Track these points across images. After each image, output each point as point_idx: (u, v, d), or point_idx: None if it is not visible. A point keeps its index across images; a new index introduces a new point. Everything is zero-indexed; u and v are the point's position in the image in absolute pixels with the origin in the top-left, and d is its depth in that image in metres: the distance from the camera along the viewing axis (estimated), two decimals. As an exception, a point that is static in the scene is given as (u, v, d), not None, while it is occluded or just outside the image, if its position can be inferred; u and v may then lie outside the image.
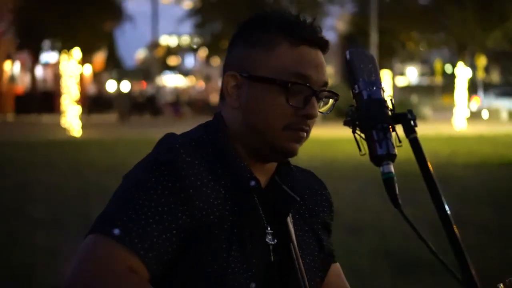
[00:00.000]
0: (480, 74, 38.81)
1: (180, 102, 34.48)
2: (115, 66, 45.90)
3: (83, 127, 24.48)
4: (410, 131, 1.26)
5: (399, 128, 1.29)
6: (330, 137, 19.40)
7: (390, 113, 1.28)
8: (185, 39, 66.48)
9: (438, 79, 57.19)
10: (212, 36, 29.92)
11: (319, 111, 1.48)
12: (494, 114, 34.25)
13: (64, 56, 26.23)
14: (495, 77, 74.95)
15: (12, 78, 33.92)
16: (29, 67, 35.57)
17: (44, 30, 27.31)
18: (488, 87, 43.09)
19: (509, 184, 11.04)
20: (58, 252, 5.81)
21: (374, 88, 1.30)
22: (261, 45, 1.46)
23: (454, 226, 1.26)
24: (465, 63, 28.73)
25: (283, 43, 1.45)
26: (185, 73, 73.58)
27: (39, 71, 37.64)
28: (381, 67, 30.55)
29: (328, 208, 1.63)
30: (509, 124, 27.80)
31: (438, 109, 37.38)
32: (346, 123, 1.31)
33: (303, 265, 1.49)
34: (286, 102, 1.42)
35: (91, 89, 43.61)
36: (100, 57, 38.32)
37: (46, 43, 29.36)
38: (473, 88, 36.84)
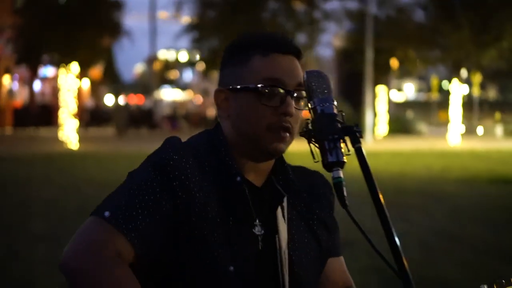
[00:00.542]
0: (476, 91, 39.06)
1: (177, 116, 34.65)
2: (113, 80, 46.12)
3: (80, 141, 24.64)
4: (355, 142, 1.44)
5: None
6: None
7: (339, 126, 1.48)
8: (183, 54, 66.84)
9: (435, 95, 57.45)
10: (209, 51, 30.15)
11: (296, 108, 1.66)
12: (488, 130, 34.49)
13: (62, 70, 26.44)
14: (492, 94, 75.17)
15: (10, 92, 34.11)
16: (28, 81, 35.79)
17: (43, 46, 27.52)
18: (484, 104, 43.37)
19: (500, 200, 11.13)
20: (57, 266, 5.96)
21: (327, 104, 1.50)
22: (240, 62, 1.69)
23: (392, 228, 1.41)
24: (461, 80, 28.98)
25: (256, 55, 1.68)
26: (183, 87, 73.77)
27: (37, 85, 37.86)
28: (377, 83, 30.99)
29: (327, 206, 1.81)
30: (504, 141, 27.99)
31: (434, 124, 37.57)
32: (302, 134, 1.51)
33: (293, 256, 1.69)
34: (262, 104, 1.64)
35: (89, 103, 43.81)
36: (98, 71, 38.52)
37: (45, 57, 29.56)
38: (469, 104, 37.08)
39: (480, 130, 35.28)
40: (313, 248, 1.75)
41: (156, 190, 1.57)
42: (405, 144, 24.94)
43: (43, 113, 34.26)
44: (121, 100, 38.03)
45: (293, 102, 1.65)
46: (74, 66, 25.87)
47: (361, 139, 1.45)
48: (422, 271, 6.18)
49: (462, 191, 12.02)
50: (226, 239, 1.62)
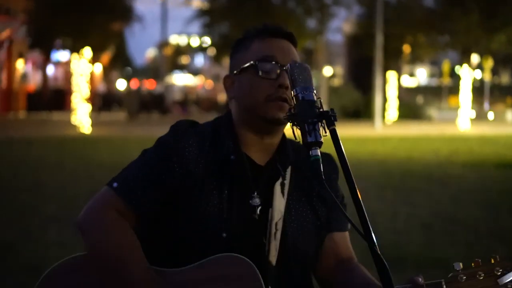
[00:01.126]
0: (487, 76, 38.94)
1: (187, 101, 34.83)
2: (125, 65, 46.31)
3: (92, 125, 24.88)
4: (330, 124, 1.65)
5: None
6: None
7: (317, 111, 1.68)
8: (195, 39, 66.79)
9: (446, 81, 57.23)
10: (220, 37, 30.22)
11: None
12: (499, 115, 34.41)
13: (75, 55, 26.66)
14: (505, 79, 74.65)
15: (24, 76, 34.40)
16: (41, 66, 36.05)
17: (56, 31, 27.71)
18: (495, 89, 43.21)
19: (504, 185, 11.22)
20: (69, 247, 6.08)
21: (307, 92, 1.70)
22: (242, 49, 2.00)
23: (362, 204, 1.58)
24: (471, 66, 28.92)
25: (254, 41, 1.98)
26: (195, 72, 73.83)
27: (50, 69, 38.13)
28: (387, 69, 30.96)
29: (328, 185, 1.93)
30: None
31: (445, 110, 37.50)
32: (285, 118, 1.72)
33: (287, 226, 1.92)
34: (260, 78, 1.91)
35: (101, 87, 44.02)
36: (109, 56, 38.71)
37: (57, 42, 29.76)
38: (480, 89, 37.02)
39: (490, 115, 35.23)
40: (310, 221, 1.98)
41: (157, 165, 1.88)
42: (414, 129, 25.03)
43: (56, 97, 34.55)
44: (133, 84, 38.25)
45: (287, 76, 1.85)
46: (87, 51, 26.06)
47: (335, 122, 1.65)
48: (425, 252, 6.36)
49: (468, 175, 12.11)
50: (220, 209, 1.88)
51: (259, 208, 1.90)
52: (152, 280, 1.79)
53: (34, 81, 36.95)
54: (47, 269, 1.89)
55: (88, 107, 25.62)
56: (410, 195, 9.78)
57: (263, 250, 1.89)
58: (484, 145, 19.00)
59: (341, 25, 33.92)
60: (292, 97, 1.72)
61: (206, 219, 1.86)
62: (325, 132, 1.69)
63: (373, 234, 1.54)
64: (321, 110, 1.68)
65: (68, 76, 32.00)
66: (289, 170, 1.97)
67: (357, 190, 1.57)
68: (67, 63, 32.88)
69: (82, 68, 26.06)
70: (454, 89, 45.92)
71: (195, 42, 66.91)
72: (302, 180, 1.99)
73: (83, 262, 1.87)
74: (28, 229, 7.21)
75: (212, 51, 34.59)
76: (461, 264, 1.69)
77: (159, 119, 31.89)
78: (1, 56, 31.77)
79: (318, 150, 1.67)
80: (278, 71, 1.91)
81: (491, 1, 26.77)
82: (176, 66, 66.12)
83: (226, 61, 46.79)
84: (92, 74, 30.93)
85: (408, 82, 61.44)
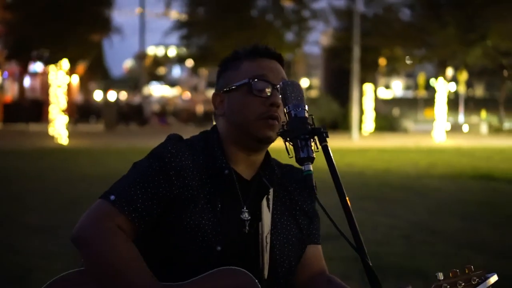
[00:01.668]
0: (462, 89, 39.42)
1: (166, 112, 34.79)
2: (102, 76, 46.11)
3: (70, 136, 24.73)
4: (322, 140, 1.75)
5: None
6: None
7: (309, 127, 1.78)
8: (172, 50, 66.81)
9: (422, 93, 57.80)
10: (198, 48, 30.27)
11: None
12: (474, 127, 34.79)
13: (52, 66, 26.54)
14: (479, 91, 75.56)
15: (0, 87, 34.13)
16: (18, 77, 35.80)
17: (33, 42, 27.59)
18: (469, 101, 43.72)
19: (482, 196, 11.34)
20: (52, 257, 6.06)
21: (299, 109, 1.80)
22: (232, 68, 2.06)
23: (354, 218, 1.68)
24: (446, 78, 29.26)
25: (245, 61, 2.05)
26: (172, 83, 73.74)
27: (27, 80, 37.87)
28: (364, 81, 31.21)
29: (308, 198, 2.12)
30: (488, 138, 28.34)
31: (420, 122, 37.85)
32: (279, 134, 1.81)
33: (274, 240, 1.99)
34: (252, 96, 1.97)
35: (78, 98, 43.74)
36: (87, 67, 38.55)
37: (35, 53, 29.60)
38: (455, 102, 37.45)
39: (465, 127, 35.63)
40: (294, 234, 2.04)
41: (155, 178, 1.91)
42: (391, 141, 25.24)
43: (33, 108, 34.28)
44: (111, 96, 38.08)
45: (278, 95, 1.97)
46: (64, 62, 25.97)
47: (327, 139, 1.75)
48: (405, 263, 6.42)
49: (446, 187, 12.21)
50: (215, 223, 1.92)
51: (248, 222, 1.96)
52: None
53: (11, 92, 36.66)
54: (32, 280, 1.91)
55: (65, 118, 25.49)
56: (389, 206, 9.88)
57: (257, 263, 1.95)
58: (460, 157, 19.19)
59: (318, 38, 34.19)
60: (285, 114, 1.81)
61: (202, 232, 1.90)
62: (317, 148, 1.78)
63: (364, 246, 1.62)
64: (313, 126, 1.78)
65: (45, 87, 31.82)
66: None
67: (349, 205, 1.66)
68: (44, 74, 32.72)
69: (60, 80, 25.94)
70: (429, 102, 46.42)
71: (172, 53, 67.01)
72: (284, 195, 2.07)
73: (80, 277, 1.86)
74: (10, 239, 7.18)
75: (190, 63, 34.60)
76: (441, 274, 1.79)
77: (137, 131, 31.76)
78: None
79: (311, 165, 1.76)
80: (270, 90, 1.98)
81: (467, 15, 27.14)
82: (154, 77, 66.02)
83: (204, 72, 46.90)
84: (69, 85, 30.78)
85: (384, 94, 61.99)
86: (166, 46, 67.90)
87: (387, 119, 33.86)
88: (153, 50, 65.87)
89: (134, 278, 1.80)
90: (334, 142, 23.88)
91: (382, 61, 31.28)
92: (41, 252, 6.48)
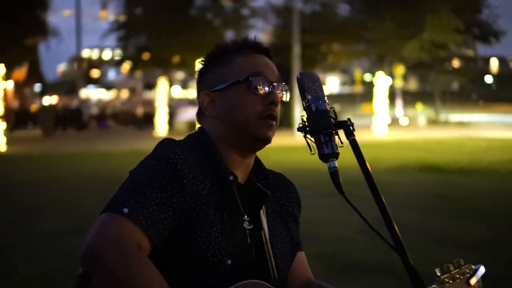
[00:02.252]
0: (398, 83, 40.12)
1: (105, 116, 34.21)
2: (38, 81, 45.07)
3: (7, 143, 24.12)
4: (349, 135, 1.61)
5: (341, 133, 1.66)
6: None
7: (333, 120, 1.65)
8: (107, 53, 65.92)
9: (358, 88, 58.67)
10: (137, 49, 29.89)
11: (281, 100, 1.86)
12: (411, 120, 35.43)
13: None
14: (413, 85, 77.23)
15: None
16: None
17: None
18: (406, 95, 44.58)
19: (429, 187, 11.50)
20: None
21: (320, 101, 1.66)
22: (222, 64, 1.86)
23: (388, 210, 1.59)
24: (386, 73, 29.73)
25: (237, 56, 1.86)
26: (107, 86, 72.81)
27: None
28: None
29: (296, 204, 1.99)
30: (427, 130, 28.90)
31: (358, 116, 38.34)
32: (299, 129, 1.67)
33: (274, 249, 1.85)
34: (252, 94, 1.80)
35: (14, 104, 42.66)
36: (22, 71, 37.60)
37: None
38: (391, 96, 38.08)
39: (404, 120, 36.24)
40: (287, 242, 1.92)
41: (168, 187, 1.68)
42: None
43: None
44: (47, 100, 37.20)
45: (276, 92, 1.83)
46: (0, 67, 25.22)
47: (354, 132, 1.62)
48: (371, 259, 6.43)
49: (394, 180, 12.32)
50: (223, 234, 1.75)
51: (249, 231, 1.81)
52: None
53: None
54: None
55: (2, 124, 24.77)
56: (345, 202, 9.90)
57: (267, 272, 1.82)
58: (403, 149, 19.47)
59: (258, 36, 34.22)
60: (304, 107, 1.68)
61: (212, 246, 1.72)
62: (341, 143, 1.66)
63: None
64: (337, 120, 1.65)
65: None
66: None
67: (384, 203, 1.55)
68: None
69: (-4, 85, 25.21)
70: (365, 96, 47.15)
71: (108, 56, 66.09)
72: (273, 201, 1.93)
73: None
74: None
75: (127, 65, 34.11)
76: (439, 269, 1.79)
77: (76, 135, 31.15)
78: None
79: (336, 162, 1.64)
80: (269, 88, 1.83)
81: (405, 10, 27.61)
82: (89, 81, 64.97)
83: (139, 74, 46.32)
84: (5, 91, 29.92)
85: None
86: (101, 48, 66.97)
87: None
88: (87, 53, 64.83)
89: None
90: (279, 139, 23.84)
91: (322, 57, 31.53)
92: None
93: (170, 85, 34.66)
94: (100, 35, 30.03)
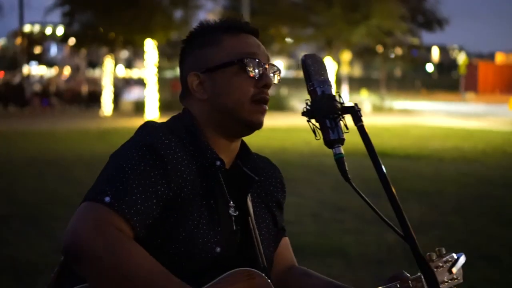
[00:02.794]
0: (345, 69, 40.45)
1: (48, 93, 33.44)
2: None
3: None
4: (357, 121, 1.59)
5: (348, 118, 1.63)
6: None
7: (339, 105, 1.61)
8: (49, 29, 64.39)
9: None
10: (82, 26, 29.25)
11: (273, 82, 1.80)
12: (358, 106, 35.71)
13: None
14: (357, 71, 78.10)
15: None
16: None
17: None
18: (352, 81, 45.00)
19: (372, 174, 11.71)
20: None
21: (326, 86, 1.63)
22: (211, 44, 1.79)
23: (397, 198, 1.56)
24: (334, 58, 29.94)
25: (226, 36, 1.79)
26: (49, 63, 71.27)
27: None
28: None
29: (281, 189, 1.95)
30: (372, 116, 29.21)
31: (304, 101, 38.56)
32: (304, 114, 1.63)
33: (260, 235, 1.80)
34: (245, 77, 1.74)
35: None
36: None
37: None
38: (338, 81, 38.42)
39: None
40: (271, 227, 1.88)
41: (151, 173, 1.62)
42: (281, 120, 25.53)
43: None
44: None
45: (269, 74, 1.78)
46: None
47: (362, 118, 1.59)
48: (319, 242, 6.49)
49: (343, 164, 12.50)
50: (211, 221, 1.69)
51: (235, 217, 1.75)
52: None
53: None
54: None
55: None
56: (294, 185, 9.94)
57: (256, 260, 1.77)
58: (349, 135, 19.53)
59: (207, 17, 33.96)
60: (309, 91, 1.63)
61: (201, 234, 1.67)
62: (347, 129, 1.63)
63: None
64: (344, 104, 1.62)
65: None
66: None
67: (394, 191, 1.53)
68: None
69: None
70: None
71: (49, 31, 64.56)
72: (258, 185, 1.87)
73: None
74: None
75: (71, 42, 33.34)
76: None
77: (18, 113, 30.38)
78: None
79: (341, 148, 1.61)
80: (261, 69, 1.77)
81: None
82: (31, 57, 63.43)
83: (83, 51, 45.38)
84: None
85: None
86: (43, 24, 65.41)
87: (275, 99, 34.27)
88: (29, 29, 63.24)
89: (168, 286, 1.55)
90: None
91: (270, 40, 31.47)
92: None
93: (115, 64, 34.06)
94: (44, 10, 29.26)
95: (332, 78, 30.57)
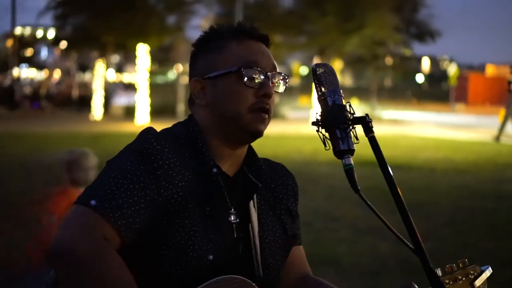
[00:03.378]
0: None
1: (39, 96, 33.32)
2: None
3: None
4: (368, 131, 1.57)
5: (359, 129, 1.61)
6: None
7: (350, 116, 1.59)
8: (40, 32, 64.17)
9: (296, 81, 59.04)
10: (74, 29, 29.17)
11: (275, 91, 1.79)
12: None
13: None
14: (348, 80, 78.26)
15: None
16: None
17: None
18: (343, 90, 45.04)
19: (371, 181, 11.65)
20: None
21: (336, 95, 1.61)
22: (215, 50, 1.77)
23: (407, 210, 1.52)
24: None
25: (231, 42, 1.77)
26: (39, 66, 71.02)
27: None
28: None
29: (292, 196, 1.93)
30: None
31: (296, 109, 38.59)
32: (314, 124, 1.61)
33: (263, 244, 1.78)
34: (243, 86, 1.71)
35: None
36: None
37: None
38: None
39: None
40: (280, 235, 1.85)
41: (140, 178, 1.61)
42: (273, 128, 25.53)
43: None
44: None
45: (270, 84, 1.76)
46: None
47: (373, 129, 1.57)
48: (312, 251, 6.44)
49: (335, 173, 12.44)
50: (205, 229, 1.68)
51: (236, 225, 1.74)
52: None
53: None
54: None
55: None
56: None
57: (252, 268, 1.75)
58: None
59: (200, 23, 33.96)
60: (319, 100, 1.62)
61: (193, 241, 1.65)
62: (357, 139, 1.61)
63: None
64: (354, 115, 1.60)
65: None
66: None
67: (404, 203, 1.50)
68: None
69: None
70: (302, 89, 47.50)
71: (40, 34, 64.35)
72: (267, 192, 1.86)
73: None
74: None
75: (63, 45, 33.25)
76: (440, 269, 1.73)
77: (8, 115, 30.23)
78: None
79: (351, 159, 1.59)
80: (262, 78, 1.75)
81: (347, 4, 27.86)
82: (21, 59, 63.23)
83: (74, 55, 45.29)
84: None
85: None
86: (34, 27, 65.20)
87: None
88: (19, 31, 63.02)
89: None
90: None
91: (272, 49, 31.41)
92: None
93: (106, 68, 34.01)
94: (37, 13, 29.16)
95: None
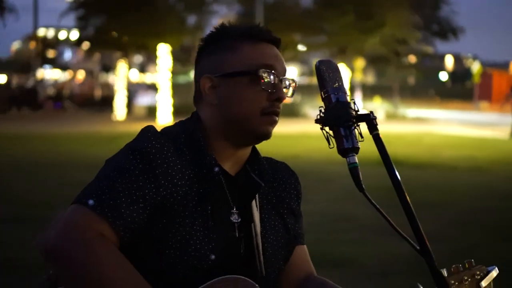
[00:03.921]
0: (358, 76, 40.36)
1: (62, 97, 33.62)
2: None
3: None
4: (373, 129, 1.54)
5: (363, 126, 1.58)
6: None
7: (354, 113, 1.57)
8: (63, 33, 64.70)
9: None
10: (96, 30, 29.40)
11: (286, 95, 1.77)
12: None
13: None
14: (370, 78, 77.93)
15: None
16: None
17: None
18: (365, 88, 44.91)
19: (386, 181, 11.59)
20: None
21: (340, 93, 1.58)
22: (228, 49, 1.75)
23: (413, 209, 1.50)
24: (348, 65, 29.89)
25: (245, 43, 1.75)
26: (63, 67, 71.62)
27: None
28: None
29: (295, 195, 1.90)
30: (386, 123, 29.13)
31: (317, 108, 38.49)
32: (317, 121, 1.59)
33: (265, 243, 1.76)
34: (258, 89, 1.70)
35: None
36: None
37: None
38: (351, 88, 38.38)
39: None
40: (282, 235, 1.83)
41: (139, 177, 1.61)
42: (294, 127, 25.52)
43: None
44: (1, 79, 36.36)
45: (283, 88, 1.75)
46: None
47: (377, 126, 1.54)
48: (327, 251, 6.42)
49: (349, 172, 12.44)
50: (206, 228, 1.67)
51: (238, 224, 1.73)
52: None
53: None
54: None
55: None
56: (306, 193, 9.90)
57: (254, 268, 1.74)
58: (363, 143, 19.61)
59: (220, 23, 34.05)
60: (323, 98, 1.59)
61: (194, 241, 1.65)
62: (361, 137, 1.58)
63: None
64: (359, 112, 1.57)
65: None
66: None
67: (409, 203, 1.47)
68: None
69: None
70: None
71: (63, 35, 64.87)
72: (269, 192, 1.85)
73: None
74: None
75: (85, 46, 33.51)
76: (445, 270, 1.70)
77: (31, 115, 30.53)
78: None
79: (355, 157, 1.56)
80: (277, 82, 1.74)
81: (366, 3, 27.79)
82: (45, 60, 63.81)
83: (96, 56, 45.65)
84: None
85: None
86: (57, 28, 65.75)
87: (288, 106, 34.25)
88: (43, 32, 63.61)
89: None
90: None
91: (292, 48, 31.38)
92: None
93: (129, 69, 34.21)
94: (59, 14, 29.41)
95: (346, 85, 30.46)
